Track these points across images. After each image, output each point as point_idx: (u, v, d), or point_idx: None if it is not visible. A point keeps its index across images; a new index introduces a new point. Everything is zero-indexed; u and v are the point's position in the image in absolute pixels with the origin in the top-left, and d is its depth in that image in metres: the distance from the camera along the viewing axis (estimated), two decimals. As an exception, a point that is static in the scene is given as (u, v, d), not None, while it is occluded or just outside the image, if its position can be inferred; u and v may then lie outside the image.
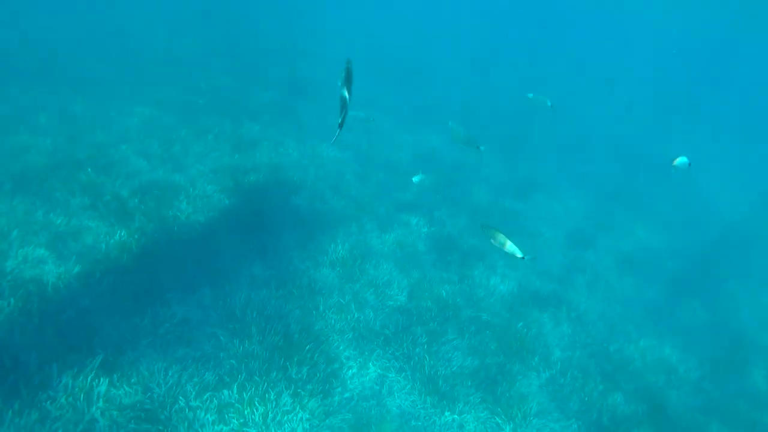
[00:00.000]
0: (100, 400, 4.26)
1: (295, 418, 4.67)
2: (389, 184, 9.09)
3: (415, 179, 7.32)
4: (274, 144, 9.05)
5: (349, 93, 3.67)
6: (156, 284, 5.61)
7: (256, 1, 18.33)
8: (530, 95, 6.66)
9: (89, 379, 4.34)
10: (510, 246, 4.56)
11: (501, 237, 4.58)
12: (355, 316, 6.05)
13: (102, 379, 4.39)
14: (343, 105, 3.68)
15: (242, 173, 7.75)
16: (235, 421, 4.49)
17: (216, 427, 4.40)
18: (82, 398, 4.21)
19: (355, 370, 5.37)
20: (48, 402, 4.10)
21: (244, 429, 4.47)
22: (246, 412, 4.57)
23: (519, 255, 4.54)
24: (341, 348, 5.55)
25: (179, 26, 13.69)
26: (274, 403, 4.72)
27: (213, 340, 5.20)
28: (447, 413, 5.27)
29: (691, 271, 9.70)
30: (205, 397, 4.59)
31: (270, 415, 4.62)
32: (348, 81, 3.71)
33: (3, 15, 11.84)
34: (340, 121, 3.68)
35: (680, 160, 5.44)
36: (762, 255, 10.89)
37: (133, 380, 4.51)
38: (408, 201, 8.71)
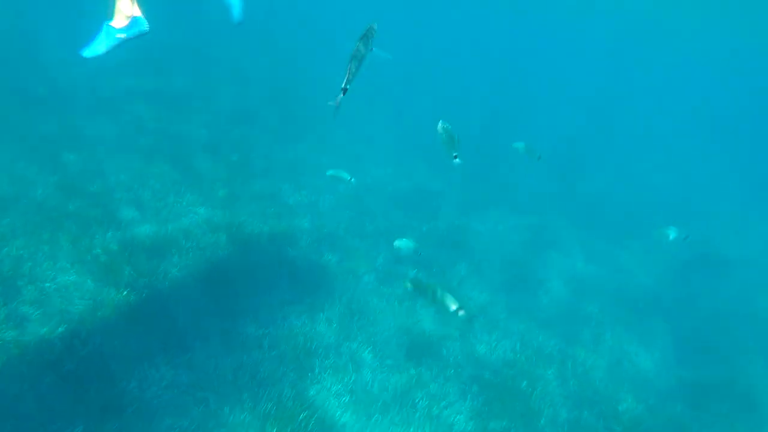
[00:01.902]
0: (80, 477, 4.06)
1: (288, 494, 4.46)
2: (387, 233, 9.07)
3: (397, 243, 7.03)
4: (268, 192, 9.08)
5: (366, 49, 3.24)
6: (145, 344, 5.47)
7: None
8: (517, 144, 6.33)
9: (68, 454, 4.15)
10: (445, 299, 4.50)
11: (433, 292, 4.53)
12: (353, 377, 5.90)
13: (82, 454, 4.20)
14: (354, 61, 3.23)
15: (237, 224, 7.73)
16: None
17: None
18: (60, 476, 4.01)
19: (352, 439, 5.19)
20: (23, 481, 3.90)
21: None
22: (236, 489, 4.37)
23: (452, 307, 4.48)
24: (338, 414, 5.38)
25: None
26: (266, 477, 4.53)
27: (202, 406, 5.02)
28: (450, 486, 5.06)
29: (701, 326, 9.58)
30: (193, 472, 4.39)
31: (261, 492, 4.41)
32: (367, 40, 3.30)
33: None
34: (344, 83, 3.17)
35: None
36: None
37: (115, 454, 4.32)
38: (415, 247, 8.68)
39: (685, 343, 8.94)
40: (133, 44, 3.75)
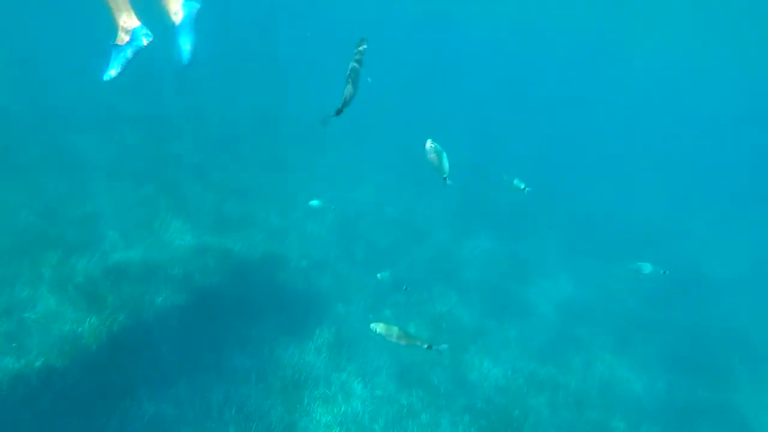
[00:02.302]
0: None
1: None
2: (376, 260, 9.01)
3: (380, 276, 6.86)
4: (257, 217, 9.00)
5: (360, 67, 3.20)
6: (127, 377, 5.31)
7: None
8: (506, 177, 6.12)
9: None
10: (414, 341, 4.47)
11: (394, 332, 4.48)
12: (342, 409, 5.77)
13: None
14: (351, 82, 3.15)
15: (223, 253, 7.63)
16: None
17: None
18: None
19: (342, 475, 5.05)
20: None
21: None
22: None
23: (424, 346, 4.45)
24: (327, 449, 5.24)
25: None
26: None
27: (187, 443, 4.86)
28: None
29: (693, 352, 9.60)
30: None
31: None
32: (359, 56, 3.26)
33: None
34: (341, 104, 3.06)
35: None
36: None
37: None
38: (398, 278, 8.62)
39: (675, 367, 8.94)
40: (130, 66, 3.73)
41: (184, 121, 12.28)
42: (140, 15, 3.65)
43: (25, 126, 10.16)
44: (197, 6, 3.89)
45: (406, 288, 6.39)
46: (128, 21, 3.48)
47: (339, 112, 3.07)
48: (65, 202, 8.07)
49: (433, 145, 4.19)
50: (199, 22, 4.16)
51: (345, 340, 6.73)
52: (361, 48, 3.33)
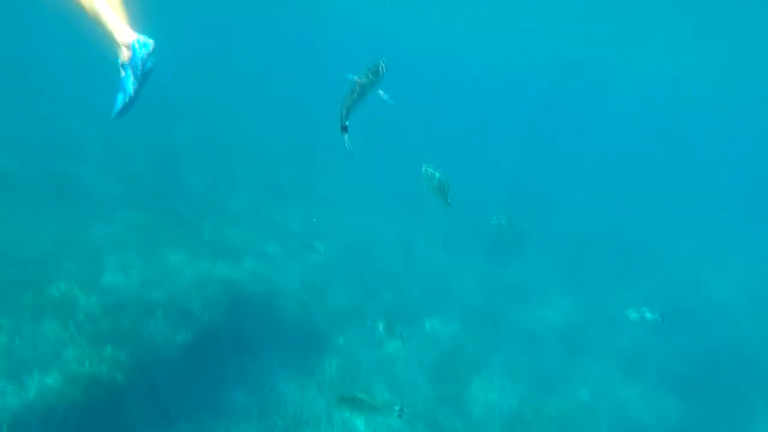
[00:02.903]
0: None
1: None
2: (377, 292, 9.02)
3: (380, 327, 6.72)
4: (257, 249, 9.05)
5: (369, 84, 2.95)
6: (127, 417, 5.28)
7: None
8: (495, 219, 5.95)
9: None
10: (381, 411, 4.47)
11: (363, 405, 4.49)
12: (345, 448, 5.70)
13: None
14: (351, 94, 2.94)
15: (223, 287, 7.65)
16: None
17: None
18: None
19: None
20: None
21: None
22: None
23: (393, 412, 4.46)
24: (330, 489, 5.16)
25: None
26: None
27: (186, 486, 4.80)
28: None
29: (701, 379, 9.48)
30: None
31: None
32: (371, 76, 3.00)
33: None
34: (341, 120, 2.86)
35: None
36: None
37: None
38: (400, 310, 8.61)
39: (687, 396, 8.83)
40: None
41: (184, 148, 12.46)
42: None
43: (30, 154, 10.38)
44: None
45: (401, 334, 6.29)
46: (127, 35, 3.41)
47: (344, 129, 2.96)
48: (65, 234, 8.15)
49: (429, 171, 4.18)
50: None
51: (347, 375, 6.69)
52: (377, 69, 3.17)
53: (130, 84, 3.50)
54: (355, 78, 3.05)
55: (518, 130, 25.20)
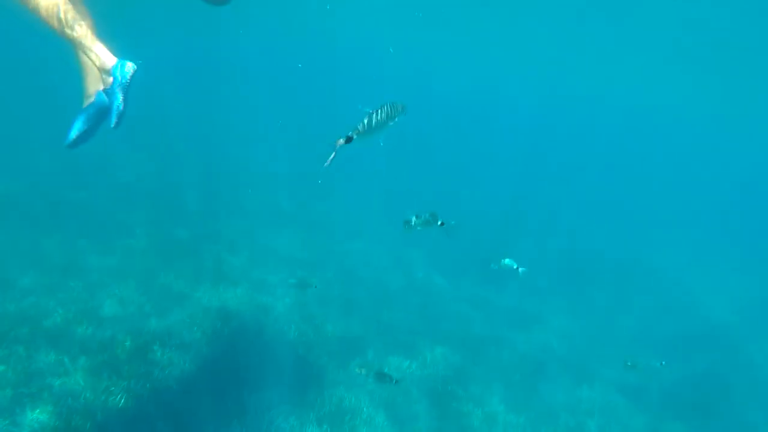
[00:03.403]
0: None
1: None
2: (378, 325, 8.94)
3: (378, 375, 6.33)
4: (255, 282, 9.02)
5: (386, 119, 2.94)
6: (121, 456, 5.19)
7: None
8: (494, 265, 5.83)
9: None
10: None
11: None
12: (345, 485, 5.58)
13: None
14: (370, 117, 2.93)
15: (222, 318, 7.61)
16: None
17: None
18: None
19: None
20: None
21: None
22: None
23: None
24: None
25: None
26: None
27: None
28: None
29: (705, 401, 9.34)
30: None
31: None
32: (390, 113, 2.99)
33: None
34: (352, 131, 2.82)
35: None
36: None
37: None
38: (400, 341, 8.54)
39: (692, 421, 8.71)
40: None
41: (183, 173, 12.50)
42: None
43: (29, 182, 10.46)
44: (127, 76, 3.33)
45: (396, 381, 6.14)
46: (106, 60, 3.28)
47: (348, 139, 2.91)
48: (64, 263, 8.15)
49: (410, 222, 4.25)
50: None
51: (347, 410, 6.59)
52: (394, 109, 3.12)
53: (116, 111, 3.29)
54: (371, 111, 3.05)
55: (509, 152, 25.51)
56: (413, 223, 4.18)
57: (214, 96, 23.01)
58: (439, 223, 4.26)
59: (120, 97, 3.27)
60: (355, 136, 2.98)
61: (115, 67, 3.28)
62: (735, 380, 10.20)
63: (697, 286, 14.90)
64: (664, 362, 6.44)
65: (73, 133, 3.44)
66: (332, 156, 2.94)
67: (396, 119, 3.10)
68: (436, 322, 9.48)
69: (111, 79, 3.29)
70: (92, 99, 3.49)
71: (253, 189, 13.64)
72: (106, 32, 3.55)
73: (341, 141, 2.94)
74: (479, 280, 11.45)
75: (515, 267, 5.14)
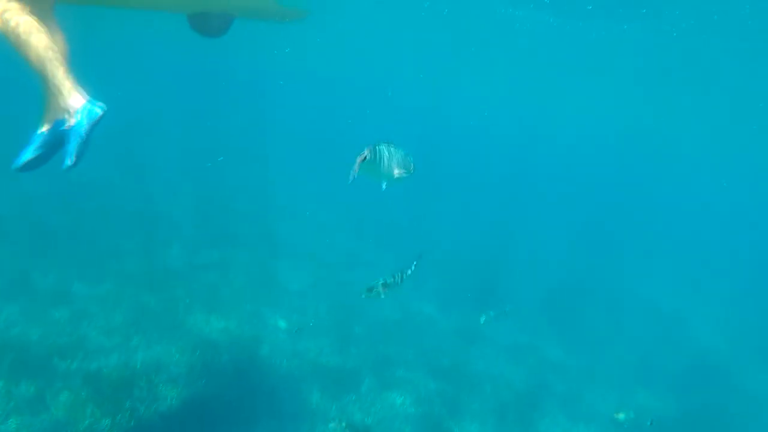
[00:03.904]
0: None
1: None
2: (374, 358, 8.77)
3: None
4: (248, 314, 8.85)
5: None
6: (101, 500, 4.94)
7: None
8: (483, 318, 5.86)
9: None
10: None
11: None
12: None
13: None
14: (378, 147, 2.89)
15: (212, 352, 7.41)
16: None
17: None
18: None
19: None
20: None
21: None
22: None
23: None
24: None
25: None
26: None
27: None
28: None
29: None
30: None
31: None
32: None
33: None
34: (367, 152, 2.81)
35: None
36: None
37: None
38: (395, 376, 8.36)
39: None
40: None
41: (175, 219, 12.40)
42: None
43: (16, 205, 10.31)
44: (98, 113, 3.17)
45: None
46: (74, 99, 3.11)
47: (364, 158, 2.85)
48: (49, 301, 7.94)
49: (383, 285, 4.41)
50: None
51: (340, 449, 6.39)
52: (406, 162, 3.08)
53: (71, 154, 3.11)
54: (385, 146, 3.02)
55: (497, 185, 25.72)
56: (377, 290, 4.37)
57: (210, 118, 23.16)
58: (408, 272, 4.37)
59: (78, 141, 3.09)
60: (369, 157, 2.90)
61: (80, 110, 3.10)
62: (732, 413, 10.07)
63: (690, 315, 14.87)
64: (652, 421, 6.34)
65: (24, 157, 3.22)
66: (354, 172, 2.88)
67: (403, 174, 3.06)
68: (432, 356, 9.30)
69: (74, 120, 3.09)
70: (51, 126, 3.23)
71: (251, 217, 13.57)
72: (84, 60, 3.40)
73: (362, 156, 2.87)
74: (474, 311, 11.34)
75: (507, 310, 5.31)
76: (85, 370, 6.48)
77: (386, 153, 2.93)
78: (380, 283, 4.53)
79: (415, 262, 4.40)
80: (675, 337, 13.24)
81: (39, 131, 3.26)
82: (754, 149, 25.46)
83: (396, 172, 2.98)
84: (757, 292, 19.32)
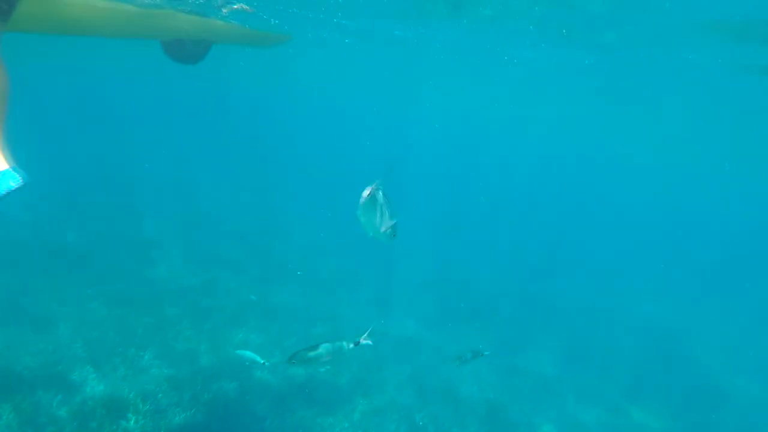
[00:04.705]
0: None
1: None
2: (365, 384, 8.67)
3: None
4: (237, 342, 8.75)
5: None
6: None
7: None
8: (461, 357, 5.95)
9: None
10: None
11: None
12: None
13: None
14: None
15: (202, 381, 7.31)
16: None
17: None
18: None
19: None
20: None
21: None
22: None
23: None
24: None
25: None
26: None
27: None
28: None
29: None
30: None
31: None
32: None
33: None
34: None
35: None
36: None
37: None
38: (387, 401, 8.27)
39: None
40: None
41: (166, 242, 12.34)
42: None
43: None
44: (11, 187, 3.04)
45: None
46: None
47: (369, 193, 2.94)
48: (31, 331, 7.81)
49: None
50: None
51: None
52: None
53: None
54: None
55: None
56: (311, 357, 4.30)
57: (191, 150, 23.16)
58: (352, 345, 4.28)
59: None
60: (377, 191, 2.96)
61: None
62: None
63: (685, 334, 14.82)
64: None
65: None
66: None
67: (387, 234, 3.06)
68: (419, 383, 9.14)
69: None
70: None
71: (245, 243, 13.50)
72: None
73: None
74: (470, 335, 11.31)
75: (486, 353, 5.23)
76: (71, 402, 6.37)
77: (380, 203, 2.98)
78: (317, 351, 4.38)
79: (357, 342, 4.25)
80: (673, 355, 13.17)
81: None
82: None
83: (383, 228, 3.02)
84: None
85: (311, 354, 4.23)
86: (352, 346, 4.24)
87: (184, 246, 12.24)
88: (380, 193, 2.98)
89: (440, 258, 15.53)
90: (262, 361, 6.82)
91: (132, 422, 6.29)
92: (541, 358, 11.29)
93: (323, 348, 4.26)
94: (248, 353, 7.10)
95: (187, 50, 6.12)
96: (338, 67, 20.10)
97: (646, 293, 17.53)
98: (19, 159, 3.13)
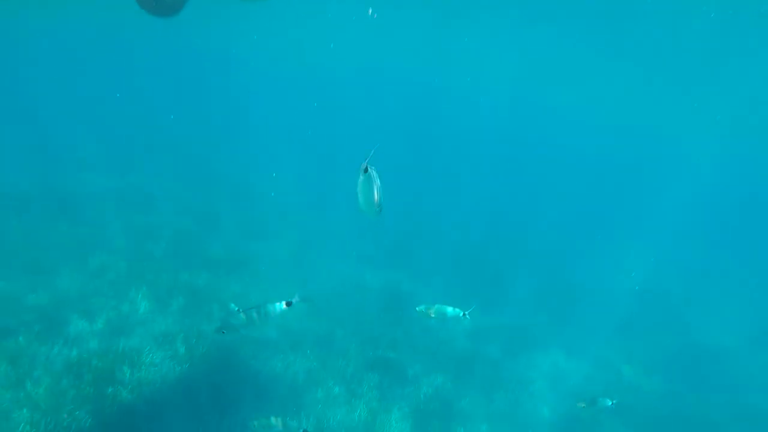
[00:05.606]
0: None
1: None
2: (357, 335, 8.82)
3: None
4: (235, 295, 8.83)
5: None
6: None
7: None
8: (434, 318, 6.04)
9: None
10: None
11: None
12: None
13: None
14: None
15: (195, 335, 7.41)
16: None
17: None
18: None
19: None
20: None
21: None
22: None
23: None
24: None
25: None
26: None
27: None
28: None
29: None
30: None
31: None
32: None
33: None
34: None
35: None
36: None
37: None
38: (379, 356, 8.43)
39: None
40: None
41: (164, 198, 12.30)
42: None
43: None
44: None
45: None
46: None
47: (365, 170, 2.97)
48: (33, 285, 7.89)
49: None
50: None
51: (327, 429, 6.47)
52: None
53: None
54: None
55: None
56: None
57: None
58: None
59: None
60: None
61: None
62: (722, 406, 10.13)
63: (700, 307, 14.80)
64: (614, 401, 6.50)
65: None
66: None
67: (374, 210, 3.11)
68: (413, 341, 9.25)
69: None
70: None
71: (241, 207, 13.47)
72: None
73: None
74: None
75: (462, 314, 5.27)
76: (66, 355, 6.47)
77: (376, 181, 3.03)
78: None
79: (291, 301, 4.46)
80: (675, 325, 13.29)
81: None
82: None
83: (375, 201, 3.07)
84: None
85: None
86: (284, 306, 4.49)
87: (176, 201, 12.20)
88: (374, 171, 3.03)
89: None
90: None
91: (127, 375, 6.41)
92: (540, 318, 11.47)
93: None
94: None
95: (163, 2, 5.82)
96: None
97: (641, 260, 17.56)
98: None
